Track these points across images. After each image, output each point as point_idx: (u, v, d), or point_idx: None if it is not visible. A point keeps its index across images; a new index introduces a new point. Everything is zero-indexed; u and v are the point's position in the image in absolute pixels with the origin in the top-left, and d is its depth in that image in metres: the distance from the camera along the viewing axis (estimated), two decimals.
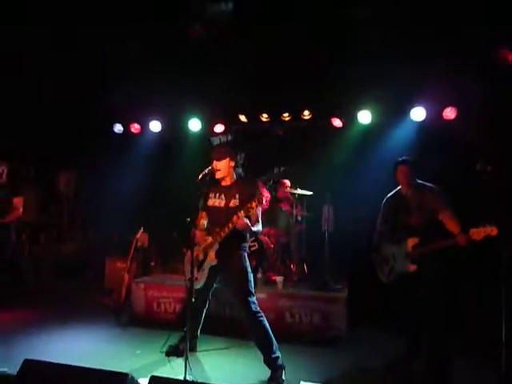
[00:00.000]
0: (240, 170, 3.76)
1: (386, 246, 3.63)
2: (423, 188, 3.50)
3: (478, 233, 2.98)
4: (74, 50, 5.51)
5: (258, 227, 3.48)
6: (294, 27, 5.17)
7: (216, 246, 3.42)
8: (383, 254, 3.64)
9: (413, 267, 3.38)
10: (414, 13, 4.78)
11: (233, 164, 3.59)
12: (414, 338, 3.57)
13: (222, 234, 3.37)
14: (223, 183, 3.63)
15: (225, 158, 3.52)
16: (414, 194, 3.51)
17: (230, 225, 3.30)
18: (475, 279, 4.50)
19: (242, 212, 3.18)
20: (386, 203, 3.78)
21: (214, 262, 3.43)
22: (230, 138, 6.94)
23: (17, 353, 3.52)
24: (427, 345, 3.43)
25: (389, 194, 3.75)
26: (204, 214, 3.66)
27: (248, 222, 3.27)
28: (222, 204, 3.50)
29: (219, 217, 3.44)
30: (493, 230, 2.93)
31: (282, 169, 6.43)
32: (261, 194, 3.22)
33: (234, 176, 3.65)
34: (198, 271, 3.44)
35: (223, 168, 3.52)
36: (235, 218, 3.23)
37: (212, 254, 3.43)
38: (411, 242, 3.41)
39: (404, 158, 3.61)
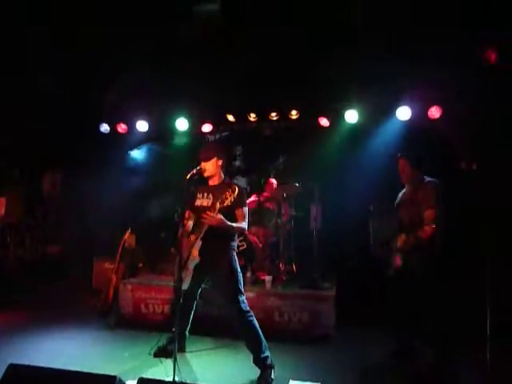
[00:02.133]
0: (238, 163, 3.78)
1: (392, 240, 3.60)
2: (421, 183, 3.47)
3: (425, 232, 3.14)
4: (61, 49, 5.43)
5: (242, 225, 3.46)
6: (282, 28, 5.18)
7: (198, 244, 3.39)
8: (391, 248, 3.62)
9: (399, 262, 3.46)
10: (399, 13, 4.82)
11: (220, 163, 3.59)
12: (408, 335, 3.60)
13: (201, 232, 3.37)
14: (211, 182, 3.64)
15: (212, 158, 3.53)
16: (411, 189, 3.52)
17: (205, 224, 3.30)
18: (459, 274, 4.57)
19: (217, 207, 3.19)
20: (398, 197, 3.79)
21: (197, 260, 3.40)
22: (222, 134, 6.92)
23: (1, 357, 3.47)
24: (423, 343, 3.49)
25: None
26: (191, 214, 3.64)
27: (221, 217, 3.23)
28: (210, 204, 3.49)
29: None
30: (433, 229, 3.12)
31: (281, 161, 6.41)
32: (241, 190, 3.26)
33: (222, 175, 3.67)
34: (183, 270, 3.42)
35: (211, 168, 3.54)
36: (205, 216, 3.22)
37: (195, 252, 3.40)
38: (401, 237, 3.43)
39: (405, 152, 3.58)
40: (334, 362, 3.75)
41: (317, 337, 4.26)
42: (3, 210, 5.08)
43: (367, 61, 5.17)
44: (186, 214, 3.62)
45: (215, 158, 3.54)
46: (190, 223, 3.56)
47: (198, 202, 3.61)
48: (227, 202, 3.16)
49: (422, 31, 4.89)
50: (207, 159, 3.51)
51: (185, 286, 3.39)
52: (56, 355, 3.76)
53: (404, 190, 3.69)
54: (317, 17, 5.03)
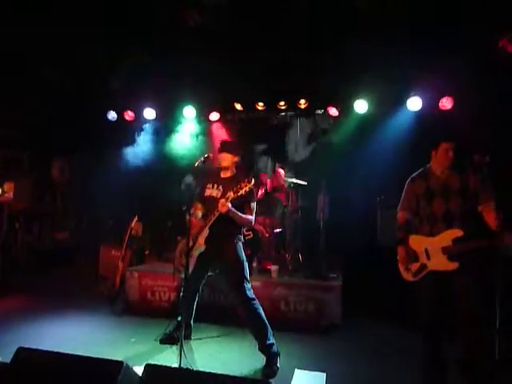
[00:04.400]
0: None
1: (416, 238, 3.00)
2: (465, 168, 2.90)
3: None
4: (69, 37, 5.41)
5: (250, 218, 3.49)
6: (291, 16, 5.10)
7: (205, 232, 3.44)
8: (412, 248, 3.00)
9: (453, 265, 2.77)
10: (410, 2, 4.73)
11: (236, 159, 3.63)
12: (437, 351, 2.93)
13: (209, 221, 3.41)
14: (222, 175, 3.66)
15: (231, 153, 3.58)
16: (453, 174, 2.91)
17: (216, 212, 3.32)
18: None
19: (230, 195, 3.21)
20: (412, 184, 3.09)
21: (203, 248, 3.45)
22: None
23: (10, 341, 3.52)
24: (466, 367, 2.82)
25: (414, 174, 3.12)
26: (199, 205, 3.66)
27: (230, 206, 3.26)
28: (219, 195, 3.51)
29: (215, 207, 3.42)
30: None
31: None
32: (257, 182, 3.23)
33: (234, 170, 3.70)
34: (187, 257, 3.42)
35: (228, 160, 3.58)
36: (220, 204, 3.25)
37: (201, 240, 3.44)
38: (452, 233, 2.80)
39: (449, 136, 2.99)
40: (340, 351, 3.75)
41: (323, 327, 4.26)
42: (12, 194, 5.11)
43: (378, 50, 5.08)
44: (195, 206, 3.64)
45: (233, 155, 3.58)
46: (199, 213, 3.59)
47: (207, 193, 3.64)
48: (242, 192, 3.19)
49: (434, 20, 4.79)
50: (228, 152, 3.56)
51: (187, 273, 3.40)
52: (63, 340, 3.80)
53: (429, 174, 3.03)
54: (329, 5, 4.94)
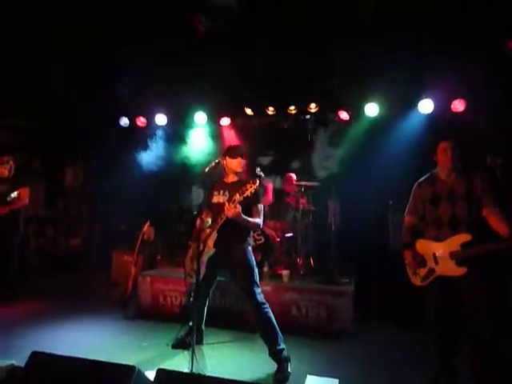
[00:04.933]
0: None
1: (424, 242, 2.97)
2: (471, 172, 2.89)
3: None
4: (81, 44, 5.49)
5: (258, 221, 3.47)
6: (299, 19, 5.11)
7: (214, 236, 3.44)
8: (419, 252, 2.99)
9: (461, 270, 2.74)
10: (421, 4, 4.70)
11: (244, 163, 3.64)
12: (449, 357, 2.89)
13: (217, 225, 3.41)
14: (228, 180, 3.67)
15: (238, 157, 3.58)
16: (459, 179, 2.89)
17: (223, 215, 3.32)
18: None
19: (236, 197, 3.21)
20: (419, 189, 3.08)
21: (212, 252, 3.46)
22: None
23: (24, 345, 3.56)
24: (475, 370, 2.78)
25: (421, 179, 3.09)
26: (208, 213, 3.68)
27: (239, 210, 3.23)
28: (226, 200, 3.50)
29: (222, 212, 3.41)
30: None
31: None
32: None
33: (242, 174, 3.72)
34: (198, 262, 3.43)
35: (237, 165, 3.59)
36: (226, 207, 3.25)
37: (210, 243, 3.45)
38: (460, 238, 2.77)
39: (451, 136, 2.99)
40: (352, 357, 3.71)
41: (334, 332, 4.22)
42: (27, 200, 5.20)
43: (389, 53, 5.06)
44: (204, 214, 3.65)
45: (239, 158, 3.59)
46: (208, 220, 3.60)
47: (214, 200, 3.64)
48: (247, 193, 3.18)
49: (445, 22, 4.76)
50: (238, 157, 3.57)
51: (198, 278, 3.41)
52: (75, 345, 3.83)
53: (435, 178, 3.01)
54: (337, 8, 4.94)
